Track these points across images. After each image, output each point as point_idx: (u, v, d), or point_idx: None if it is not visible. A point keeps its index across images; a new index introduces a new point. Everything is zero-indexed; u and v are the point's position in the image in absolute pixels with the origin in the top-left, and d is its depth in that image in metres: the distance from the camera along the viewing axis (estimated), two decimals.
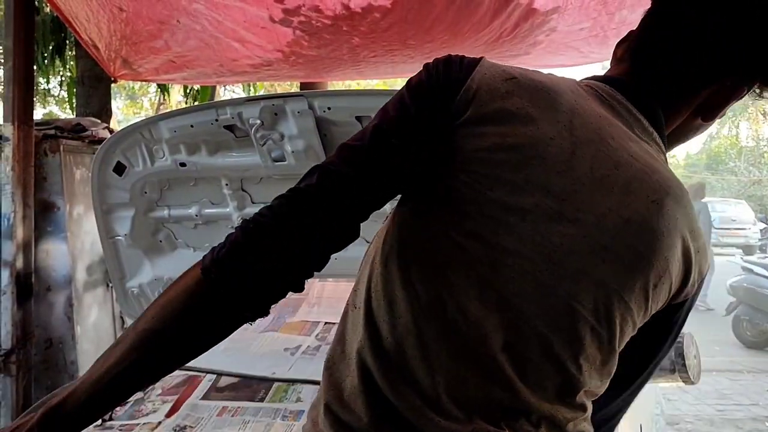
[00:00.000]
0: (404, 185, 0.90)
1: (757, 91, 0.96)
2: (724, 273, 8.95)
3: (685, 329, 1.43)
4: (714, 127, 23.22)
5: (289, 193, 0.87)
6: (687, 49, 0.92)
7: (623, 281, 0.85)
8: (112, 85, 4.72)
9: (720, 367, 6.31)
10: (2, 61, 6.28)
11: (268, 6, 2.49)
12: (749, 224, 15.24)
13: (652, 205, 0.86)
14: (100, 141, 2.79)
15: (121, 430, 1.88)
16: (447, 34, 2.68)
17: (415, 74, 0.92)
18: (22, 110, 2.88)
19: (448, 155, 0.86)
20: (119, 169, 2.17)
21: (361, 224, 0.90)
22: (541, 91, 0.89)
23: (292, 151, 1.96)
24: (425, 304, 0.85)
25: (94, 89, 4.70)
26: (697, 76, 0.93)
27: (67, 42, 5.28)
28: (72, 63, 5.70)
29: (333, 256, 0.88)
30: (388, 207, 0.92)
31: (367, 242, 1.03)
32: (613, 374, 0.91)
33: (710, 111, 0.97)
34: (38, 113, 8.35)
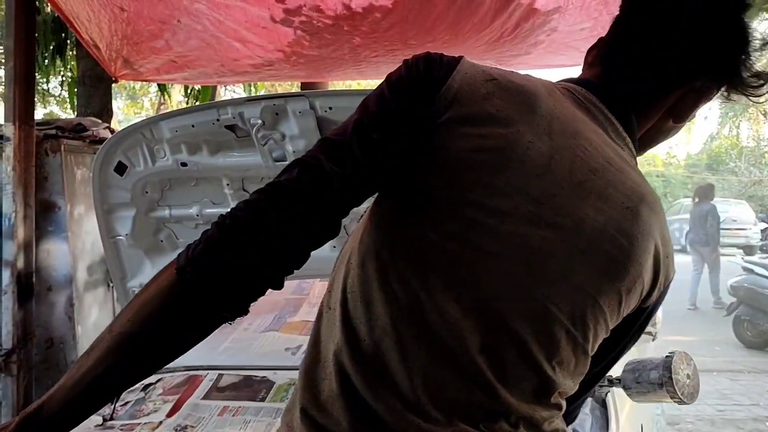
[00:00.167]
0: (384, 182, 0.89)
1: (725, 93, 0.97)
2: (724, 273, 8.96)
3: (679, 348, 1.43)
4: (715, 128, 23.24)
5: (267, 187, 0.86)
6: (656, 52, 0.94)
7: (599, 286, 0.86)
8: (113, 85, 4.72)
9: (720, 367, 6.32)
10: (3, 61, 6.28)
11: (269, 6, 2.49)
12: (750, 224, 15.24)
13: (627, 212, 0.87)
14: (101, 141, 2.79)
15: (122, 429, 1.88)
16: (448, 34, 2.68)
17: (394, 70, 0.91)
18: (23, 110, 2.88)
19: (429, 155, 0.86)
20: (120, 168, 2.17)
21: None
22: (521, 93, 0.89)
23: (294, 151, 1.96)
24: (403, 306, 0.84)
25: (94, 89, 4.70)
26: (666, 79, 0.95)
27: (68, 42, 5.28)
28: (73, 63, 5.70)
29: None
30: (364, 205, 0.91)
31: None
32: (583, 375, 0.92)
33: (681, 113, 0.98)
34: (39, 113, 8.35)
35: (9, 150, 2.86)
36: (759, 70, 0.95)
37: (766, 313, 6.93)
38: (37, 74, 4.01)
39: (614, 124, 0.93)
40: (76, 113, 4.90)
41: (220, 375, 2.10)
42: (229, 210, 0.85)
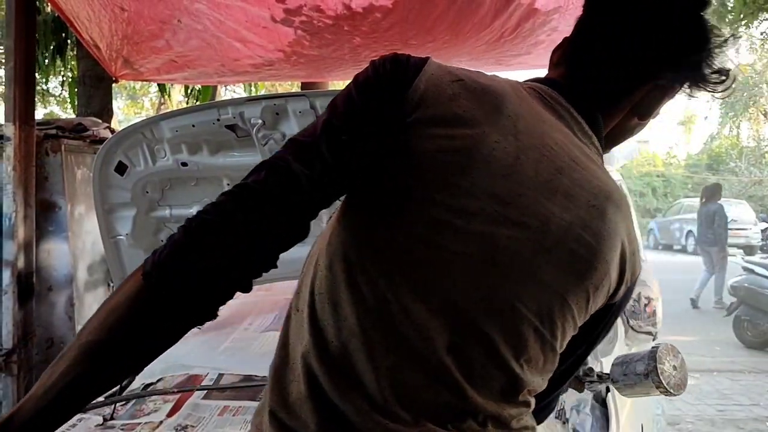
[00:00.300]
0: (353, 183, 0.89)
1: (688, 90, 0.98)
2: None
3: (680, 348, 1.44)
4: (715, 128, 23.23)
5: (235, 188, 0.86)
6: (619, 51, 0.95)
7: (566, 284, 0.87)
8: (113, 85, 4.72)
9: (721, 367, 6.31)
10: (3, 61, 6.28)
11: (270, 6, 2.49)
12: (750, 224, 15.24)
13: (593, 210, 0.88)
14: (102, 141, 2.79)
15: (122, 429, 1.88)
16: (448, 34, 2.68)
17: (362, 71, 0.91)
18: (23, 110, 2.88)
19: (396, 156, 0.86)
20: (121, 168, 2.17)
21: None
22: (487, 94, 0.90)
23: None
24: (370, 307, 0.84)
25: (95, 89, 4.70)
26: (630, 78, 0.96)
27: (69, 42, 5.28)
28: (73, 63, 5.70)
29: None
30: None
31: None
32: (552, 372, 0.93)
33: (645, 110, 0.99)
34: (39, 113, 8.35)
35: (9, 150, 2.86)
36: (720, 66, 0.96)
37: (766, 313, 6.92)
38: (37, 74, 4.01)
39: (580, 123, 0.94)
40: (76, 113, 4.90)
41: (221, 375, 2.10)
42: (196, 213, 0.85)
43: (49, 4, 3.47)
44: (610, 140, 1.01)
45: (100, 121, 3.69)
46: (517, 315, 0.85)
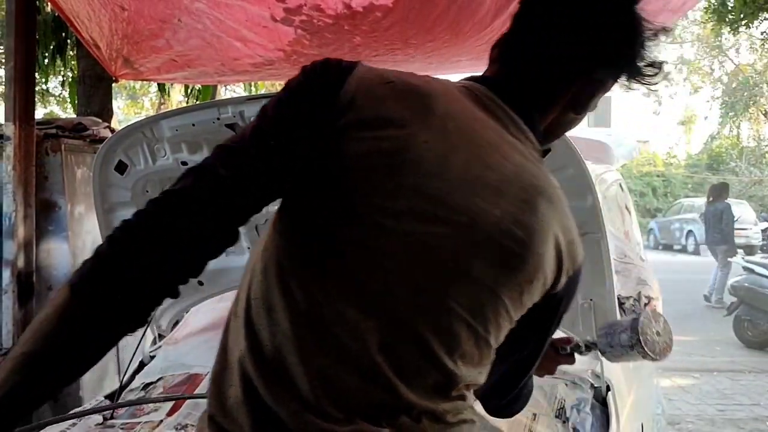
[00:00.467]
0: (282, 189, 0.90)
1: (623, 83, 1.00)
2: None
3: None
4: (715, 128, 23.22)
5: (162, 195, 0.87)
6: (552, 47, 0.96)
7: (497, 279, 0.88)
8: (113, 84, 4.72)
9: (721, 367, 6.31)
10: (3, 60, 6.28)
11: (270, 5, 2.48)
12: (750, 224, 15.23)
13: (523, 205, 0.89)
14: (102, 140, 2.79)
15: (122, 428, 1.88)
16: (448, 33, 2.68)
17: (293, 76, 0.93)
18: (23, 110, 2.88)
19: (327, 159, 0.87)
20: (121, 168, 2.17)
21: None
22: (417, 95, 0.91)
23: None
24: (303, 311, 0.86)
25: (95, 89, 4.70)
26: (564, 73, 0.97)
27: (69, 41, 5.28)
28: (73, 62, 5.70)
29: None
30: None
31: None
32: (489, 365, 0.95)
33: (581, 105, 1.00)
34: (39, 113, 8.35)
35: (9, 149, 2.86)
36: (653, 59, 0.98)
37: (766, 312, 6.92)
38: (37, 74, 4.01)
39: (514, 119, 0.95)
40: (76, 113, 4.90)
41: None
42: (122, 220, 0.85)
43: (49, 3, 3.47)
44: (548, 135, 1.02)
45: (100, 120, 3.68)
46: (449, 312, 0.87)
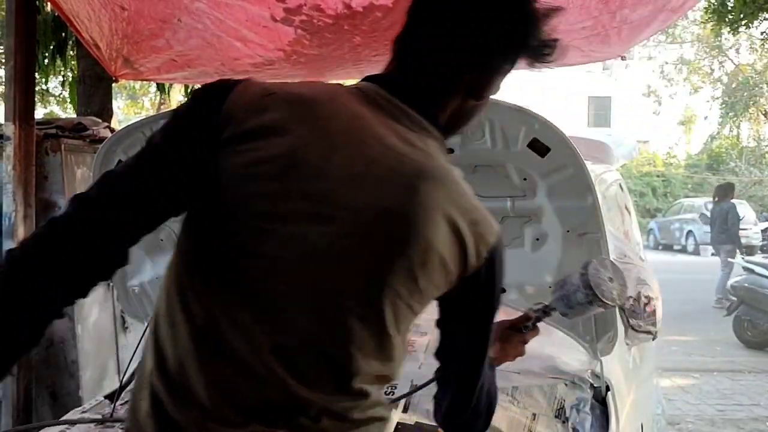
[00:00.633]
0: (169, 210, 0.94)
1: (522, 64, 1.02)
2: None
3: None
4: (715, 128, 23.20)
5: (45, 223, 0.92)
6: (440, 40, 0.99)
7: (384, 268, 0.90)
8: (113, 84, 4.72)
9: (721, 367, 6.31)
10: (3, 60, 6.27)
11: (270, 5, 2.48)
12: (750, 224, 15.23)
13: (406, 191, 0.91)
14: (101, 140, 2.79)
15: (122, 428, 1.88)
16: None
17: (181, 103, 0.99)
18: (23, 109, 2.88)
19: (213, 176, 0.91)
20: None
21: None
22: (299, 102, 0.95)
23: None
24: (200, 324, 0.90)
25: (95, 89, 4.70)
26: (454, 64, 0.99)
27: (68, 41, 5.27)
28: (73, 62, 5.70)
29: None
30: None
31: None
32: (399, 357, 0.96)
33: (479, 91, 1.02)
34: (39, 113, 8.35)
35: (9, 149, 2.86)
36: (545, 38, 1.00)
37: (766, 313, 6.92)
38: (37, 74, 4.00)
39: (406, 112, 0.96)
40: (76, 113, 4.89)
41: None
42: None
43: (48, 3, 3.47)
44: (454, 123, 1.03)
45: (100, 120, 3.68)
46: (338, 307, 0.90)
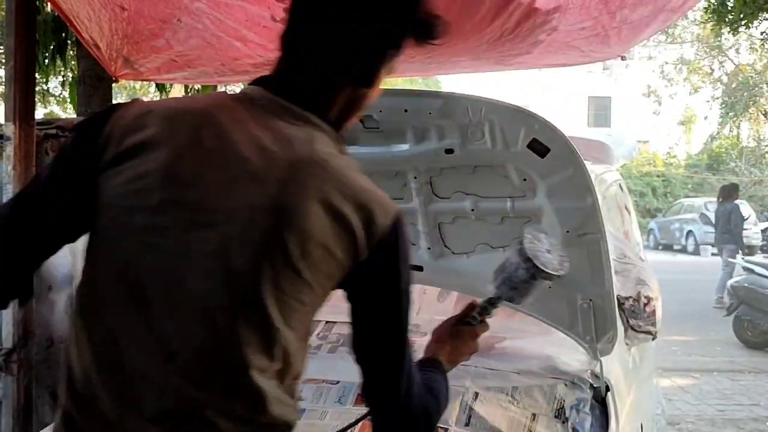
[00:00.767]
0: (64, 237, 1.01)
1: (422, 43, 1.02)
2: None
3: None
4: (715, 128, 23.20)
5: None
6: (322, 32, 1.00)
7: (262, 263, 0.92)
8: (113, 84, 4.71)
9: (721, 367, 6.32)
10: (3, 60, 6.27)
11: (270, 5, 2.48)
12: (750, 224, 15.22)
13: (280, 183, 0.93)
14: None
15: None
16: (448, 33, 2.68)
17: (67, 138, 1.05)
18: (23, 110, 2.88)
19: (97, 200, 0.95)
20: None
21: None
22: (174, 115, 0.97)
23: None
24: (99, 342, 0.95)
25: (95, 89, 4.69)
26: (338, 54, 1.00)
27: (68, 41, 5.28)
28: (73, 63, 5.70)
29: None
30: None
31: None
32: (290, 350, 0.96)
33: (367, 78, 1.03)
34: (39, 113, 8.35)
35: (9, 149, 2.86)
36: (427, 15, 1.01)
37: (766, 313, 6.92)
38: (37, 74, 4.00)
39: (289, 108, 0.98)
40: (76, 113, 4.90)
41: None
42: None
43: (48, 3, 3.47)
44: (346, 112, 1.04)
45: None
46: (225, 310, 0.92)
